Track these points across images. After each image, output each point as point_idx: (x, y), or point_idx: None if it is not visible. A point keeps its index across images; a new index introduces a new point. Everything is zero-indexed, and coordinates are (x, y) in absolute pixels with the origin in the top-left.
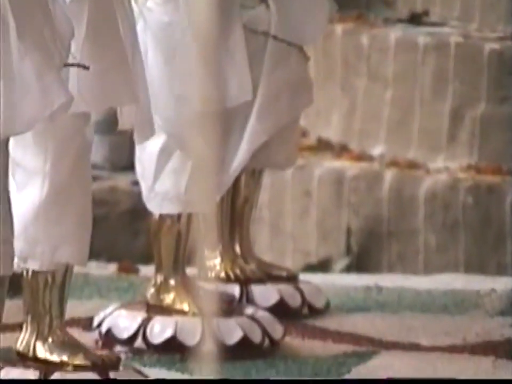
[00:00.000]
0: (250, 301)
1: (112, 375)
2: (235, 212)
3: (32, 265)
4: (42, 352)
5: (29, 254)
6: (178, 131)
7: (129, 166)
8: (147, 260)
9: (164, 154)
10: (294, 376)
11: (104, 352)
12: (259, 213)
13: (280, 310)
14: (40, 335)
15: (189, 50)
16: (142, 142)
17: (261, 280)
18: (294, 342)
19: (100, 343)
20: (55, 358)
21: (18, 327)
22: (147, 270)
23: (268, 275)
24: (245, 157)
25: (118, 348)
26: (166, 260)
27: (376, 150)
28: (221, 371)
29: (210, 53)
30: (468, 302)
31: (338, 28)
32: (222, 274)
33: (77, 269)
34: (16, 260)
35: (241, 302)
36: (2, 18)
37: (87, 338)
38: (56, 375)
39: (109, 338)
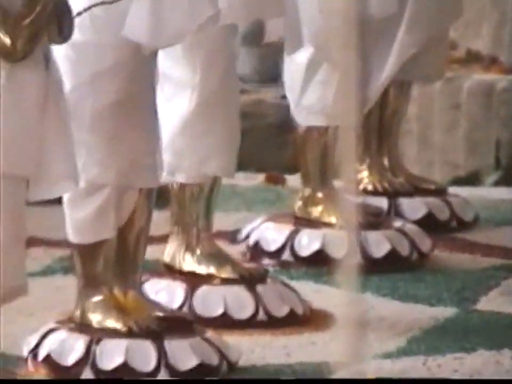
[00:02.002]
0: (398, 214)
1: (259, 287)
2: (383, 124)
3: (180, 178)
4: (189, 264)
5: (176, 167)
6: (325, 43)
7: (277, 79)
8: (294, 172)
9: (311, 66)
10: (441, 290)
11: (252, 265)
12: (407, 126)
13: (428, 223)
14: (187, 247)
15: None
16: (290, 54)
17: (409, 193)
18: (443, 255)
19: (247, 255)
20: (202, 270)
21: (165, 239)
22: (294, 182)
23: (416, 188)
24: (393, 69)
25: (266, 261)
26: (313, 173)
27: None
28: (368, 284)
29: None
30: None
31: None
32: (370, 187)
33: (224, 181)
34: (163, 173)
35: (389, 215)
36: None
37: (234, 251)
38: (203, 288)
39: (256, 250)
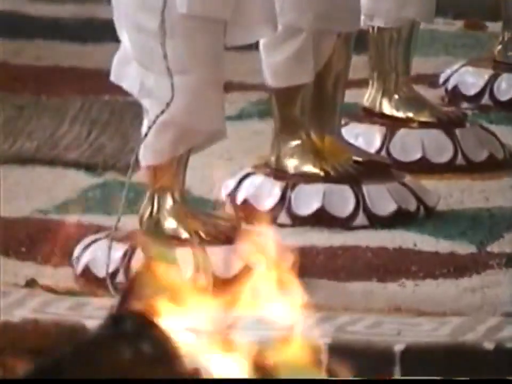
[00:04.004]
0: None
1: (458, 131)
2: None
3: (378, 22)
4: (388, 108)
5: (375, 11)
6: None
7: None
8: (494, 17)
9: None
10: None
11: (450, 109)
12: None
13: None
14: (386, 92)
15: None
16: None
17: None
18: None
19: (446, 99)
20: (400, 114)
21: (364, 83)
22: (494, 27)
23: None
24: None
25: (464, 105)
26: None
27: None
28: None
29: None
30: None
31: None
32: None
33: (422, 26)
34: (362, 17)
35: None
36: None
37: (433, 95)
38: (401, 131)
39: (455, 95)
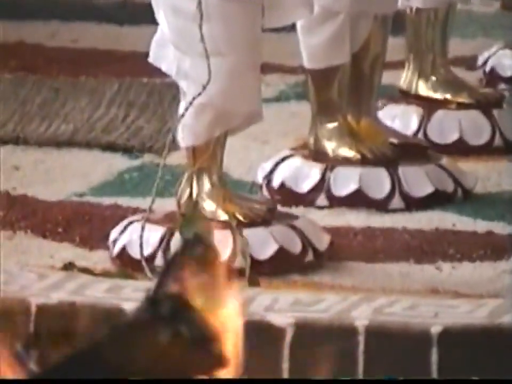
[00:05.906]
0: None
1: (496, 112)
2: None
3: (415, 3)
4: (424, 90)
5: None
6: None
7: None
8: None
9: None
10: None
11: (488, 90)
12: None
13: None
14: (422, 73)
15: None
16: None
17: None
18: None
19: (484, 81)
20: (438, 95)
21: (401, 65)
22: None
23: None
24: None
25: (502, 86)
26: None
27: None
28: None
29: None
30: None
31: None
32: None
33: (460, 6)
34: None
35: None
36: None
37: (471, 77)
38: (439, 113)
39: (492, 76)
